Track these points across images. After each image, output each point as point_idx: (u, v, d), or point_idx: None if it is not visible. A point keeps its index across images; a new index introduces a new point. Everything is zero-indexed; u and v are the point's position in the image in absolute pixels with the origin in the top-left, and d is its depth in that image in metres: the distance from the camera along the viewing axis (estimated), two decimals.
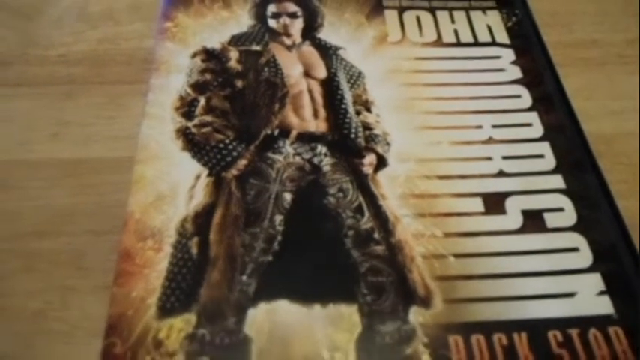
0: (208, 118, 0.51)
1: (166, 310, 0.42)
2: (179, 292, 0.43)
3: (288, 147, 0.51)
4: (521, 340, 0.42)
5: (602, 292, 0.44)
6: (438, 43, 0.61)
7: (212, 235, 0.45)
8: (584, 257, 0.46)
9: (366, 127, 0.53)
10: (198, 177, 0.49)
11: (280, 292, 0.43)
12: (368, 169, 0.50)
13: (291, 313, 0.42)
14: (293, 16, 0.59)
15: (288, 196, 0.48)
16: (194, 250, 0.45)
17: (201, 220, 0.46)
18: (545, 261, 0.46)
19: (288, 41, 0.58)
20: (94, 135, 0.56)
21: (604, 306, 0.44)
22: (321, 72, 0.56)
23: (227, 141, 0.50)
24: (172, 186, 0.48)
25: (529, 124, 0.55)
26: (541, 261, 0.46)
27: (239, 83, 0.53)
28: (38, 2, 0.68)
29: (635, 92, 0.62)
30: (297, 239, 0.46)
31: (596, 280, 0.45)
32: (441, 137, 0.53)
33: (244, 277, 0.44)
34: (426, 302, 0.43)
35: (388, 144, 0.52)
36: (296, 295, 0.43)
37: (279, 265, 0.45)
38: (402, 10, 0.64)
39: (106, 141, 0.56)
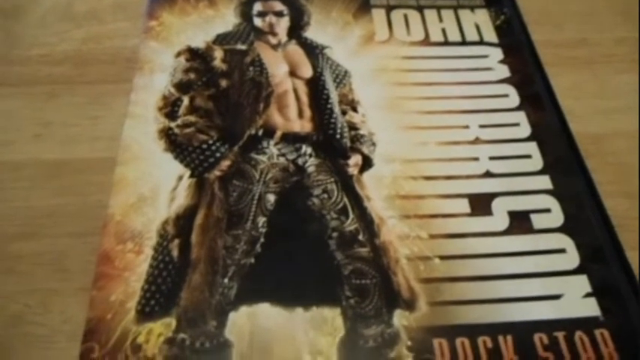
0: (192, 118, 0.50)
1: (146, 314, 0.41)
2: (159, 296, 0.42)
3: (272, 147, 0.50)
4: (506, 343, 0.41)
5: (588, 294, 0.44)
6: (426, 42, 0.61)
7: (194, 238, 0.45)
8: (571, 259, 0.46)
9: (352, 127, 0.52)
10: (180, 178, 0.48)
11: (262, 295, 0.42)
12: (353, 170, 0.50)
13: (273, 316, 0.41)
14: (279, 14, 0.58)
15: (271, 198, 0.47)
16: (175, 253, 0.44)
17: (183, 222, 0.45)
18: (531, 263, 0.45)
19: (273, 40, 0.57)
20: (77, 135, 0.55)
21: (590, 308, 0.43)
22: (307, 71, 0.55)
23: (210, 141, 0.49)
24: (154, 187, 0.47)
25: (516, 124, 0.54)
26: (527, 263, 0.45)
27: (223, 83, 0.52)
28: (23, 1, 0.67)
29: (623, 91, 0.62)
30: (280, 241, 0.45)
31: (582, 282, 0.44)
32: (428, 137, 0.53)
33: (226, 280, 0.43)
34: (410, 305, 0.43)
35: (374, 144, 0.51)
36: (278, 299, 0.42)
37: (261, 267, 0.44)
38: (389, 9, 0.63)
39: (88, 141, 0.55)
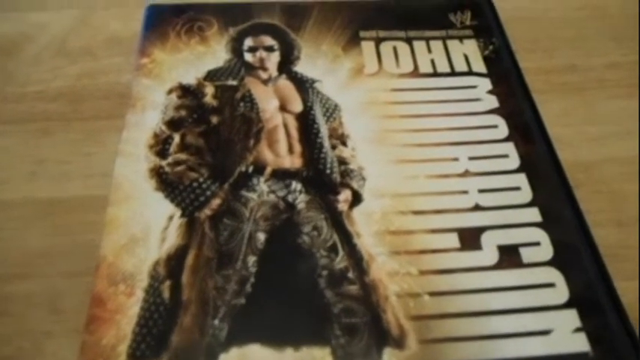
0: (182, 156, 0.51)
1: (136, 358, 0.41)
2: (150, 339, 0.42)
3: (262, 184, 0.50)
4: None
5: (578, 329, 0.43)
6: (415, 73, 0.61)
7: (184, 279, 0.45)
8: (561, 293, 0.45)
9: (342, 161, 0.52)
10: (171, 218, 0.48)
11: (252, 336, 0.42)
12: (343, 206, 0.50)
13: (264, 357, 0.41)
14: (269, 49, 0.59)
15: (261, 236, 0.47)
16: (166, 295, 0.44)
17: (174, 262, 0.45)
18: (521, 298, 0.45)
19: (264, 75, 0.57)
20: (70, 173, 0.56)
21: (580, 343, 0.43)
22: (297, 106, 0.55)
23: (201, 179, 0.49)
24: (145, 228, 0.47)
25: (505, 155, 0.54)
26: (517, 298, 0.45)
27: (214, 119, 0.53)
28: (17, 38, 0.68)
29: (613, 117, 0.62)
30: (270, 281, 0.45)
31: (572, 317, 0.44)
32: (417, 171, 0.53)
33: (216, 322, 0.43)
34: (399, 343, 0.42)
35: (363, 179, 0.52)
36: (268, 339, 0.42)
37: (251, 307, 0.44)
38: (378, 41, 0.63)
39: (82, 179, 0.55)
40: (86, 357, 0.41)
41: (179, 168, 0.50)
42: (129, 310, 0.43)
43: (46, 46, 0.68)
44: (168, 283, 0.45)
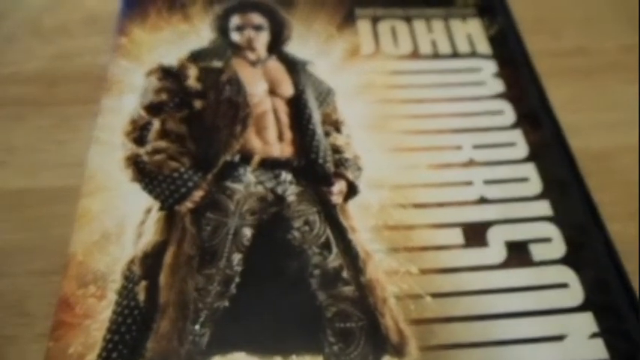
0: (162, 144, 0.47)
1: None
2: (122, 347, 0.38)
3: (249, 175, 0.46)
4: None
5: (594, 335, 0.40)
6: (415, 55, 0.57)
7: (162, 279, 0.41)
8: (575, 294, 0.42)
9: (336, 150, 0.49)
10: (148, 211, 0.44)
11: (237, 343, 0.39)
12: (337, 198, 0.46)
13: None
14: (258, 28, 0.55)
15: (248, 232, 0.44)
16: (141, 297, 0.40)
17: (151, 260, 0.42)
18: (531, 299, 0.42)
19: (252, 56, 0.53)
20: (43, 162, 0.52)
21: (597, 350, 0.39)
22: (288, 89, 0.51)
23: (182, 169, 0.45)
24: (120, 222, 0.44)
25: (513, 144, 0.51)
26: (527, 299, 0.42)
27: (198, 104, 0.49)
28: None
29: (625, 103, 0.58)
30: (257, 281, 0.42)
31: (588, 321, 0.41)
32: (418, 160, 0.49)
33: (197, 327, 0.39)
34: (399, 350, 0.39)
35: (359, 169, 0.48)
36: (254, 347, 0.39)
37: (236, 311, 0.40)
38: (375, 20, 0.60)
39: (55, 168, 0.51)
40: None
41: (158, 157, 0.46)
42: (99, 314, 0.40)
43: (19, 25, 0.63)
44: (143, 284, 0.41)
